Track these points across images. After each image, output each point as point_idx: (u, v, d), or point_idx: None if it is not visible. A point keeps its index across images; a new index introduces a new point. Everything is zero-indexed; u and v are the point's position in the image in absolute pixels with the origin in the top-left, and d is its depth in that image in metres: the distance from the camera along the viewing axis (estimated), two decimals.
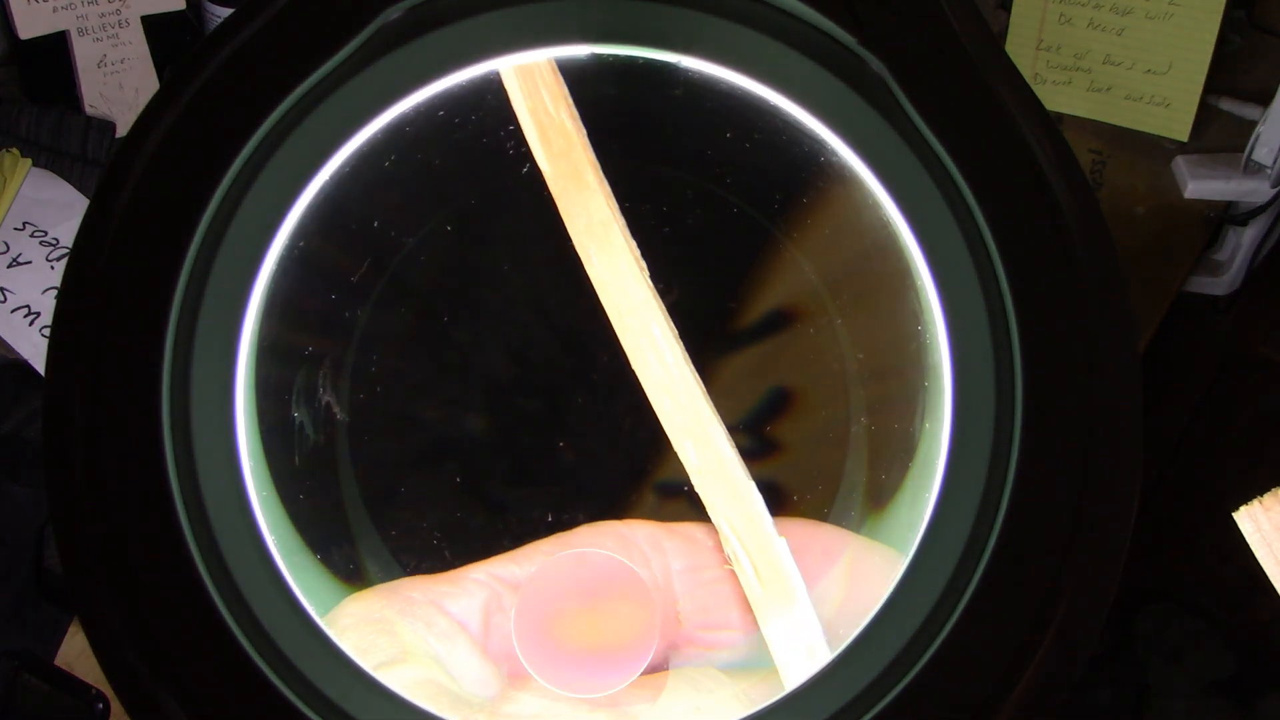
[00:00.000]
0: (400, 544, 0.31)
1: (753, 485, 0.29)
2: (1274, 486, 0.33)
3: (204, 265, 0.28)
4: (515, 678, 0.28)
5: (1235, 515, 0.32)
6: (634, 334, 0.29)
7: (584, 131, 0.29)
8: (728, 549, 0.29)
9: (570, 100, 0.29)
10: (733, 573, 0.29)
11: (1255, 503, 0.32)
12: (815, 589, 0.29)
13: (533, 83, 0.29)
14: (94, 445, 0.27)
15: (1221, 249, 0.96)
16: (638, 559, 0.29)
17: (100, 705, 0.60)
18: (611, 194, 0.29)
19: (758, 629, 0.29)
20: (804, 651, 0.28)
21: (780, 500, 0.31)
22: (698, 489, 0.29)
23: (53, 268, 0.77)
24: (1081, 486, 0.27)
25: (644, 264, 0.29)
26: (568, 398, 0.31)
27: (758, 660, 0.30)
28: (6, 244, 0.78)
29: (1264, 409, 1.05)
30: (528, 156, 0.30)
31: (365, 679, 0.27)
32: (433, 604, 0.28)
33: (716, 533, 0.29)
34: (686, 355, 0.29)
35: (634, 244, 0.29)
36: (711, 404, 0.29)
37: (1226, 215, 0.93)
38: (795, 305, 0.32)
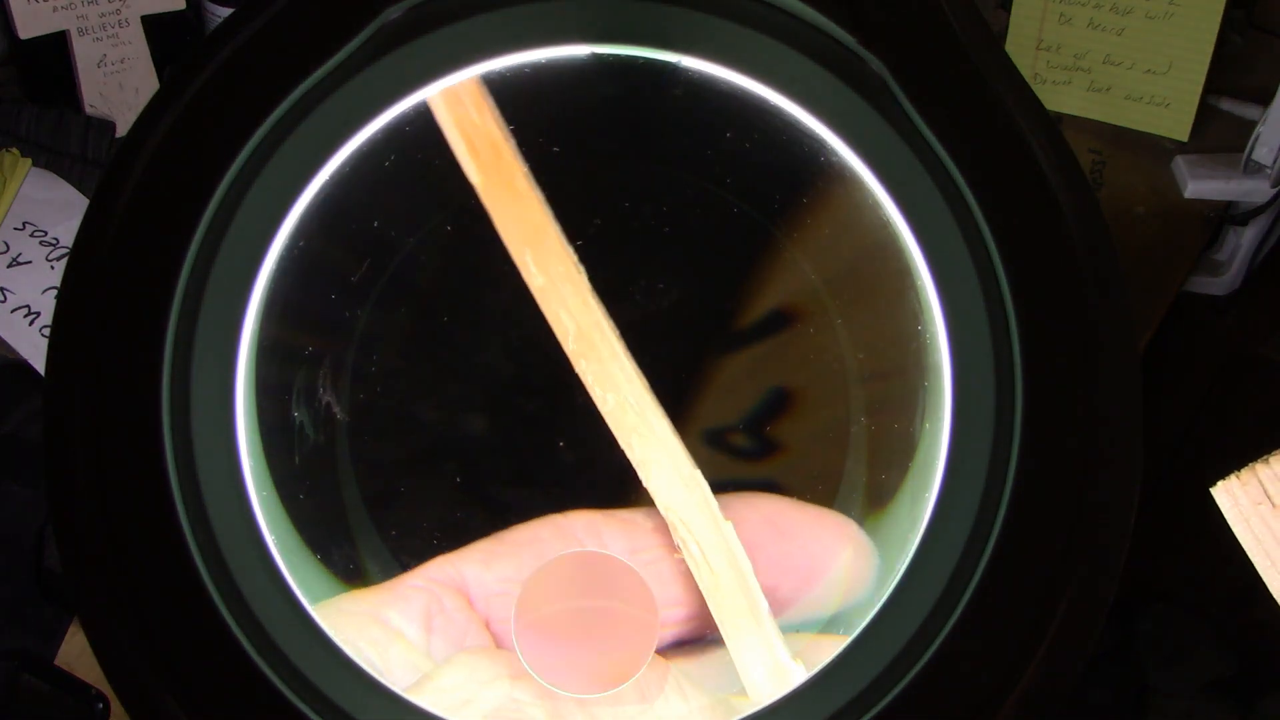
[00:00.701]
0: (400, 544, 0.31)
1: (698, 473, 0.29)
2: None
3: (204, 265, 0.28)
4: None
5: (1212, 490, 0.32)
6: (574, 336, 0.29)
7: (512, 139, 0.29)
8: (676, 538, 0.29)
9: (495, 108, 0.29)
10: (669, 548, 0.29)
11: (1232, 477, 0.32)
12: (760, 561, 0.29)
13: (454, 94, 0.29)
14: (94, 445, 0.27)
15: (1221, 249, 0.96)
16: (574, 546, 0.30)
17: (100, 705, 0.60)
18: (544, 200, 0.29)
19: (701, 604, 0.29)
20: (763, 648, 0.28)
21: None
22: (644, 483, 0.29)
23: (53, 268, 0.77)
24: (1081, 486, 0.27)
25: (582, 268, 0.29)
26: (568, 398, 0.31)
27: (701, 635, 0.30)
28: (6, 244, 0.78)
29: (1264, 409, 1.05)
30: (529, 155, 0.30)
31: (365, 679, 0.27)
32: (368, 615, 0.28)
33: (656, 515, 0.30)
34: (628, 352, 0.29)
35: (571, 250, 0.29)
36: (655, 398, 0.29)
37: (1226, 215, 0.93)
38: (795, 305, 0.32)
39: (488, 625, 0.29)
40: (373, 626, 0.28)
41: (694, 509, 0.29)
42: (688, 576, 0.29)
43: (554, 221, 0.29)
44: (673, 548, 0.30)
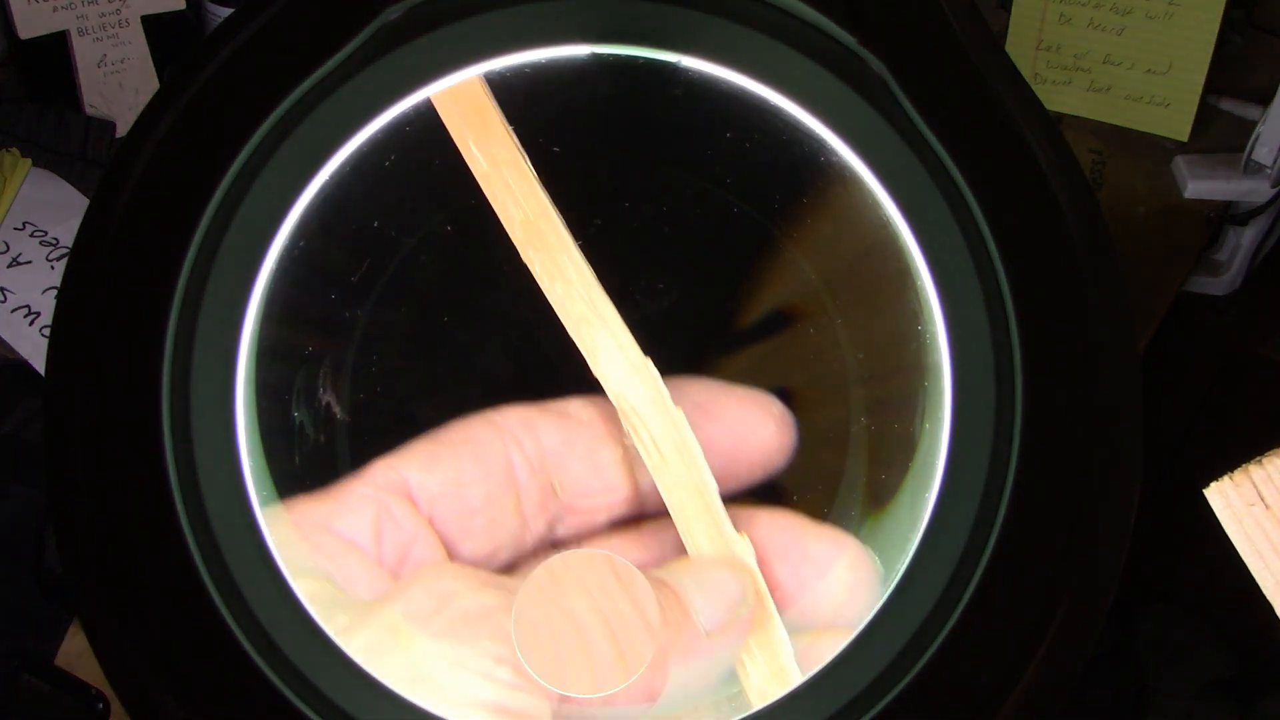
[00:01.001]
0: None
1: (648, 361, 0.29)
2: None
3: (204, 265, 0.28)
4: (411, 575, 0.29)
5: (1206, 491, 0.32)
6: (520, 224, 0.29)
7: None
8: (626, 425, 0.29)
9: None
10: (609, 439, 0.30)
11: (1225, 479, 0.32)
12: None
13: None
14: (94, 445, 0.27)
15: (1221, 249, 0.96)
16: (510, 442, 0.30)
17: (100, 705, 0.60)
18: (487, 83, 0.29)
19: (636, 489, 0.30)
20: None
21: (780, 500, 0.31)
22: (594, 371, 0.29)
23: (53, 268, 0.77)
24: (1082, 487, 0.27)
25: (525, 155, 0.29)
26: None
27: (637, 514, 0.31)
28: (6, 244, 0.78)
29: (1264, 409, 1.05)
30: (529, 156, 0.30)
31: (366, 679, 0.27)
32: (319, 526, 0.29)
33: (590, 406, 0.30)
34: (575, 243, 0.29)
35: (514, 136, 0.29)
36: (602, 288, 0.29)
37: (1226, 215, 0.93)
38: (795, 305, 0.32)
39: (432, 524, 0.30)
40: (326, 539, 0.28)
41: (644, 396, 0.29)
42: (624, 464, 0.30)
43: (496, 105, 0.29)
44: (607, 438, 0.30)
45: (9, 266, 0.77)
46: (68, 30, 0.84)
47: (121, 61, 0.86)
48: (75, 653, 0.64)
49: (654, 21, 0.29)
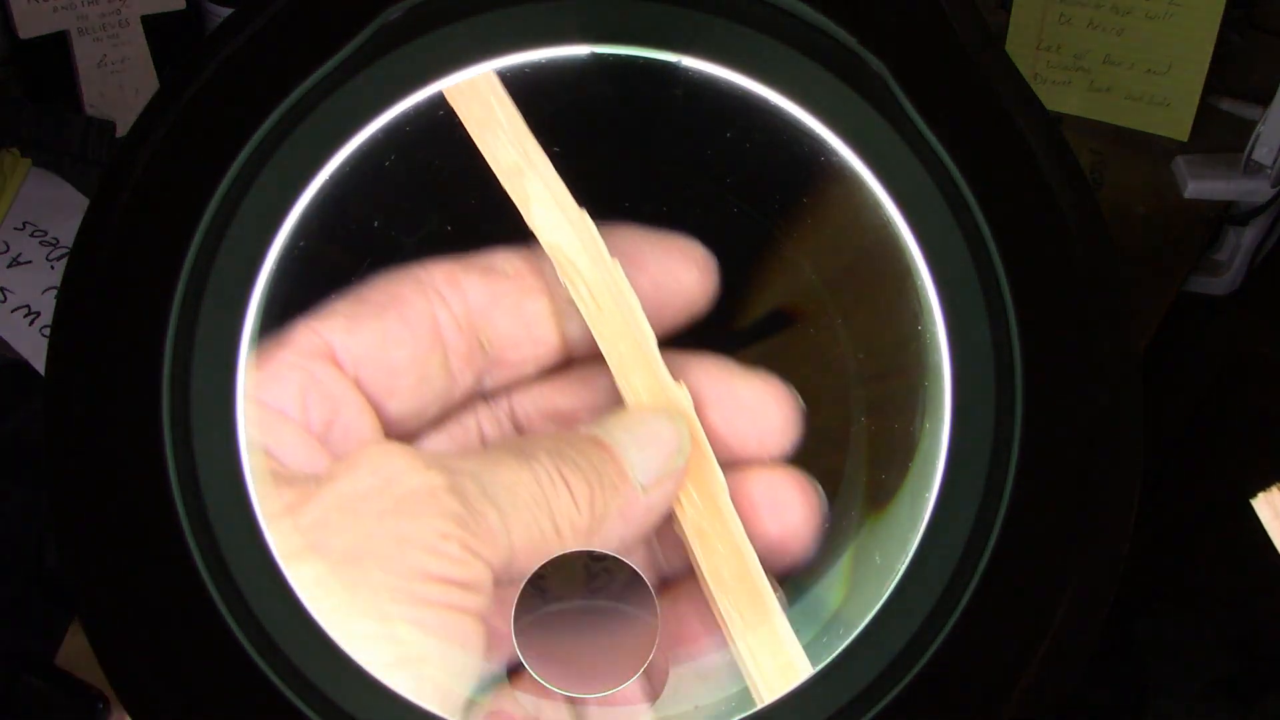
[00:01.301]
0: None
1: (584, 212, 0.29)
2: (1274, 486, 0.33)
3: (204, 265, 0.28)
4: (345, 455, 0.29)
5: (1253, 502, 0.32)
6: (466, 101, 0.29)
7: None
8: (562, 276, 0.29)
9: None
10: (536, 291, 0.30)
11: (1273, 489, 0.32)
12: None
13: None
14: (94, 445, 0.27)
15: (1221, 249, 0.96)
16: (435, 300, 0.30)
17: (100, 705, 0.60)
18: None
19: (563, 339, 0.30)
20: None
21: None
22: (528, 221, 0.29)
23: (53, 268, 0.77)
24: (1081, 486, 0.27)
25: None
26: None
27: (565, 361, 0.31)
28: (6, 244, 0.78)
29: (1264, 409, 1.05)
30: None
31: (366, 679, 0.27)
32: (247, 398, 0.28)
33: (515, 259, 0.30)
34: (505, 90, 0.29)
35: None
36: (533, 136, 0.29)
37: (1226, 215, 0.93)
38: (795, 305, 0.32)
39: (359, 385, 0.29)
40: (254, 409, 0.28)
41: (579, 246, 0.29)
42: (551, 316, 0.30)
43: None
44: (534, 290, 0.30)
45: (9, 266, 0.76)
46: (68, 30, 0.84)
47: (121, 61, 0.86)
48: (75, 653, 0.64)
49: (654, 21, 0.29)
